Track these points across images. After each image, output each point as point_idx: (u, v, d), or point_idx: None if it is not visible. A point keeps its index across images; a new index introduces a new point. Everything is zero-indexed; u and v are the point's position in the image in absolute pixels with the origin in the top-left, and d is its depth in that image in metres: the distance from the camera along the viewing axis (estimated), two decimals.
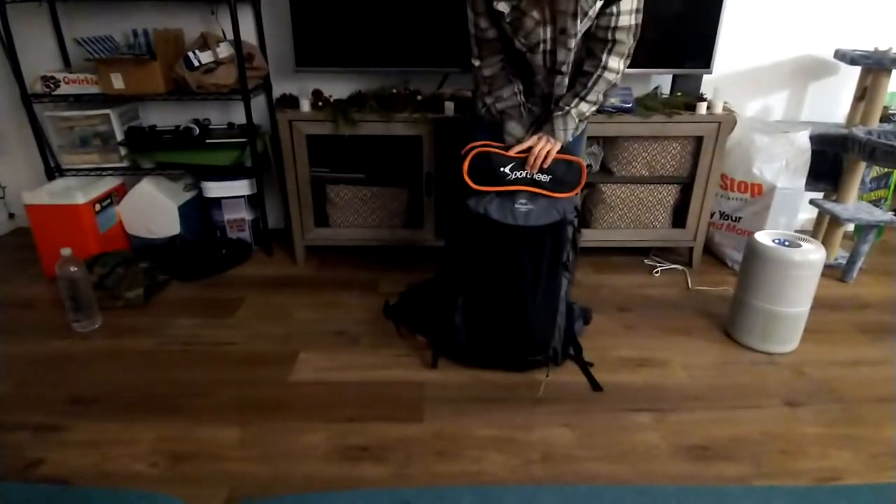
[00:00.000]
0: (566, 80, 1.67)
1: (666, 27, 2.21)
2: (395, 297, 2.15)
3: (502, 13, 1.52)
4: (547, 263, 1.68)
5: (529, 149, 1.65)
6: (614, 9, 1.54)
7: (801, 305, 1.84)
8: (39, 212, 2.22)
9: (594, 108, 1.70)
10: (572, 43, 1.57)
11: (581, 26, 1.54)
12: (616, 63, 1.62)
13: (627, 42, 1.59)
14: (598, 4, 1.52)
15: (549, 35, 1.56)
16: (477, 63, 1.69)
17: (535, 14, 1.52)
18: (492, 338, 1.75)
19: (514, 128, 1.72)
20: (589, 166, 1.71)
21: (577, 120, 1.68)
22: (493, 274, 1.69)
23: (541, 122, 1.74)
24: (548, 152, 1.64)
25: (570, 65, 1.64)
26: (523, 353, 1.76)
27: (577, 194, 1.72)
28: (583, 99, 1.66)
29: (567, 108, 1.66)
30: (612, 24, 1.56)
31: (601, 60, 1.62)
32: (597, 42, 1.61)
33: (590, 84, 1.65)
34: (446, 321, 1.77)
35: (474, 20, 1.61)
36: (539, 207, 1.67)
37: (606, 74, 1.63)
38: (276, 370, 1.78)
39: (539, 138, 1.66)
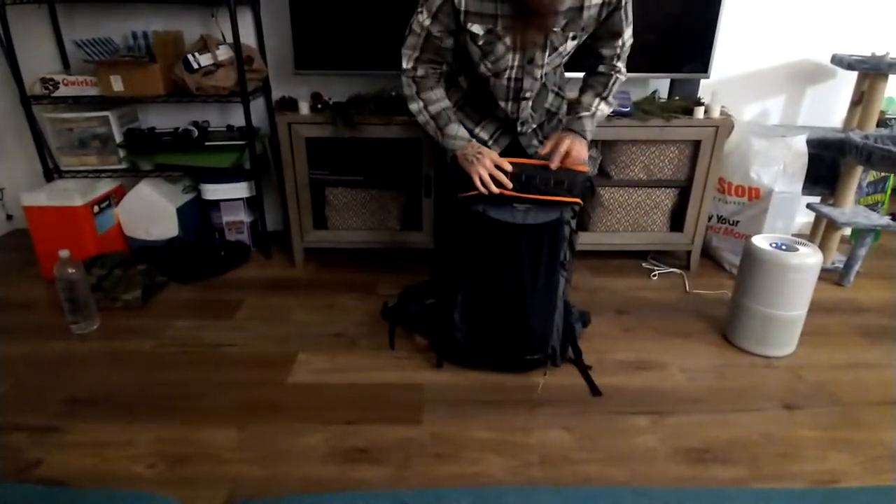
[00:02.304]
0: (531, 104, 1.69)
1: (664, 31, 2.22)
2: (393, 299, 2.15)
3: (477, 35, 1.49)
4: (545, 261, 1.68)
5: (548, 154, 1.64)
6: (619, 42, 1.61)
7: (798, 309, 1.85)
8: (38, 213, 2.22)
9: (610, 110, 1.74)
10: (539, 73, 1.60)
11: (549, 59, 1.57)
12: (623, 66, 1.70)
13: (629, 51, 1.68)
14: (572, 44, 1.56)
15: (516, 62, 1.56)
16: (410, 65, 1.59)
17: (508, 40, 1.51)
18: (491, 335, 1.75)
19: (456, 130, 1.64)
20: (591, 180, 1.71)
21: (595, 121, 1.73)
22: (493, 271, 1.70)
23: (506, 129, 1.76)
24: (571, 148, 1.61)
25: (535, 91, 1.67)
26: (522, 351, 1.76)
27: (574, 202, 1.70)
28: (604, 99, 1.71)
29: (593, 108, 1.70)
30: (619, 44, 1.63)
31: (614, 66, 1.68)
32: (605, 58, 1.67)
33: (610, 84, 1.70)
34: (445, 319, 1.78)
35: (426, 23, 1.50)
36: (537, 206, 1.67)
37: (620, 76, 1.70)
38: (274, 372, 1.78)
39: (562, 137, 1.64)
